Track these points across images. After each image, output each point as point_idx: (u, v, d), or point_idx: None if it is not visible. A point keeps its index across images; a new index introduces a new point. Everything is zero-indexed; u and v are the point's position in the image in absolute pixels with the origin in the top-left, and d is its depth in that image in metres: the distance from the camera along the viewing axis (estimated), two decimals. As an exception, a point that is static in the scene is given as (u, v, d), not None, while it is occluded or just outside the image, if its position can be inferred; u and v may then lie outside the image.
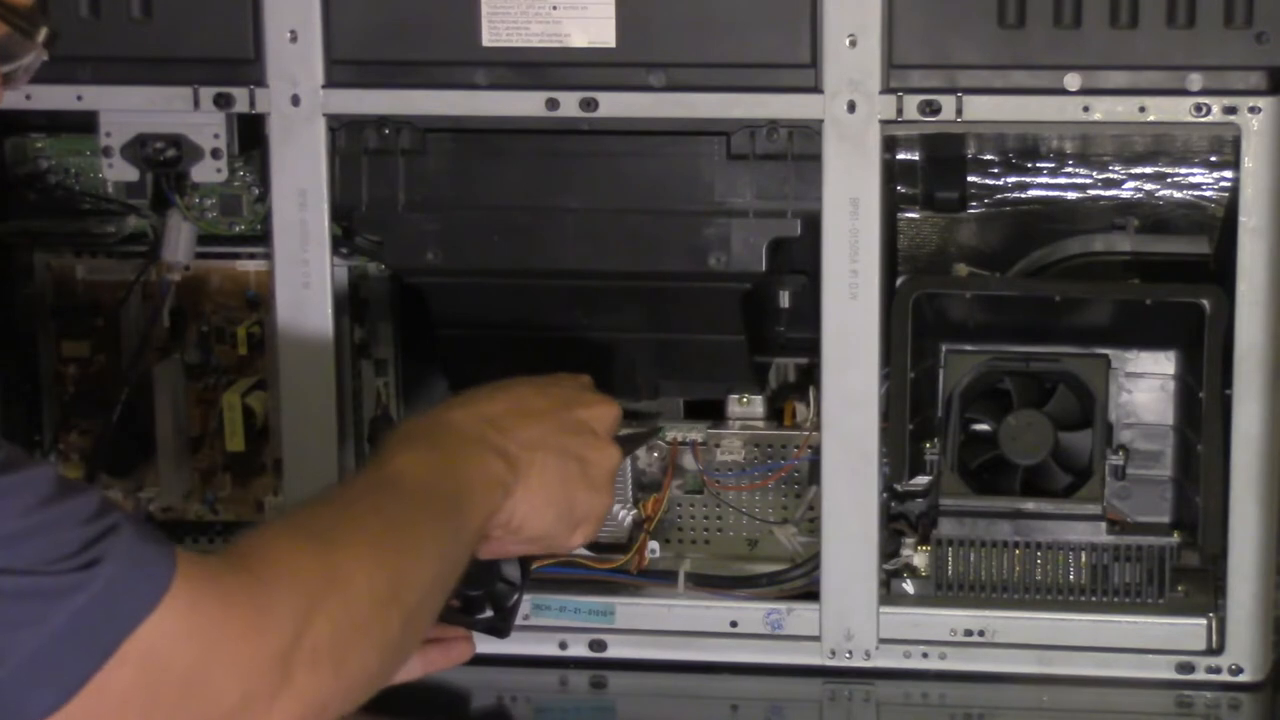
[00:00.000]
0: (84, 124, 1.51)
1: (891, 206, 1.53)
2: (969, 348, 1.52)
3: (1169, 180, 1.60)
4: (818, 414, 1.47)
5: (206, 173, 1.49)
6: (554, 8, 1.42)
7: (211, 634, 0.93)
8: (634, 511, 1.56)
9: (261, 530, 1.03)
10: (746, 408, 1.58)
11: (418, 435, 1.18)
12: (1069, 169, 1.61)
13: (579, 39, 1.43)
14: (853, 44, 1.40)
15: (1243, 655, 1.45)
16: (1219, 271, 1.48)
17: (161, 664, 0.92)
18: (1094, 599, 1.48)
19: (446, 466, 1.15)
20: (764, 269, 1.45)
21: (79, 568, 0.89)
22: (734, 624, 1.50)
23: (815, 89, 1.41)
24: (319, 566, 1.00)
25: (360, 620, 1.01)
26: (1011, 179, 1.62)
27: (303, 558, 1.00)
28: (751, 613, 1.50)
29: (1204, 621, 1.46)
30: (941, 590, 1.49)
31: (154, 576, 0.92)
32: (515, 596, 1.33)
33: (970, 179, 1.61)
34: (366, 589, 1.02)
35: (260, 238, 1.57)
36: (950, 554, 1.48)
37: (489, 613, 1.32)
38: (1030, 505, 1.49)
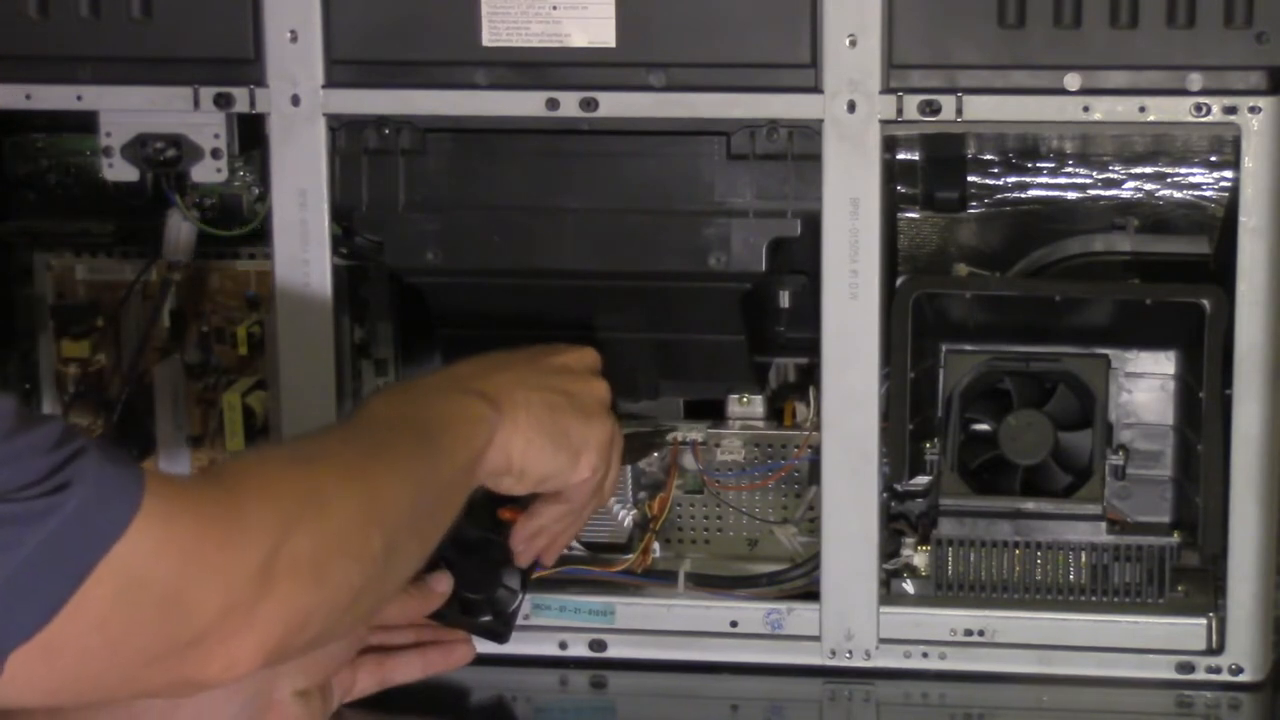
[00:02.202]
0: (84, 124, 1.51)
1: (891, 206, 1.53)
2: (969, 348, 1.52)
3: (1169, 180, 1.60)
4: (818, 414, 1.47)
5: (206, 173, 1.49)
6: (554, 8, 1.42)
7: (188, 548, 0.94)
8: (634, 512, 1.56)
9: (234, 457, 1.04)
10: (746, 408, 1.58)
11: (392, 390, 1.18)
12: (1069, 169, 1.61)
13: (579, 39, 1.43)
14: (853, 44, 1.40)
15: (1243, 655, 1.45)
16: (1219, 271, 1.48)
17: (139, 580, 0.92)
18: (1094, 599, 1.48)
19: (423, 406, 1.16)
20: (764, 269, 1.45)
21: (48, 492, 0.89)
22: (734, 624, 1.50)
23: (815, 89, 1.42)
24: (293, 484, 1.01)
25: (338, 534, 1.01)
26: (1011, 179, 1.62)
27: (276, 477, 1.01)
28: (751, 613, 1.50)
29: (1204, 621, 1.46)
30: (941, 590, 1.49)
31: (125, 495, 0.92)
32: (515, 603, 1.33)
33: (970, 179, 1.61)
34: (342, 505, 1.02)
35: (260, 238, 1.57)
36: (950, 554, 1.48)
37: (489, 617, 1.33)
38: (1030, 505, 1.49)
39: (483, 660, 1.34)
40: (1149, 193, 1.61)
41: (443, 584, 1.27)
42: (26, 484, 0.89)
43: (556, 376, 1.25)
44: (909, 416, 1.47)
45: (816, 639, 1.48)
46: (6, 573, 0.88)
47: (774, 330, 1.53)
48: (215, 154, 1.48)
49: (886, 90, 1.41)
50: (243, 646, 0.96)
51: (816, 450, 1.47)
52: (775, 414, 1.58)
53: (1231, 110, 1.38)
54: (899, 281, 1.48)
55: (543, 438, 1.21)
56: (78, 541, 0.90)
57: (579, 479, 1.25)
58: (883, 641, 1.48)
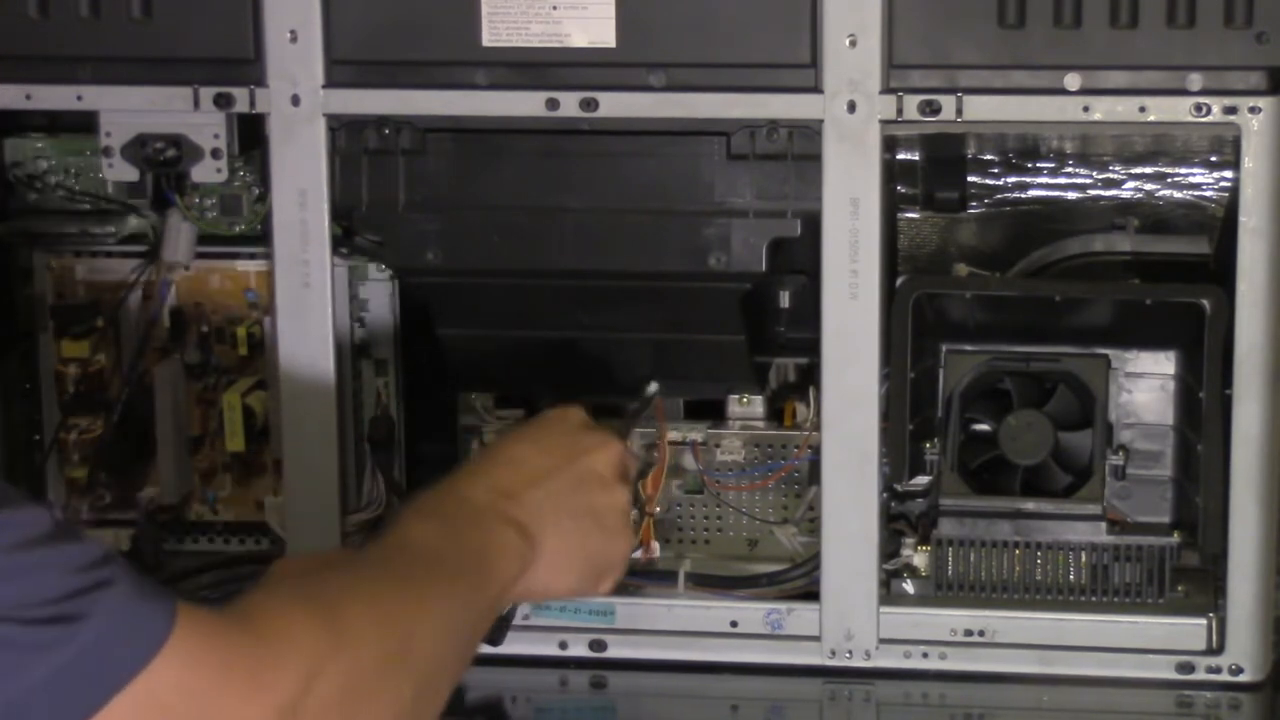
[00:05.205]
0: (84, 124, 1.51)
1: (891, 206, 1.53)
2: (969, 348, 1.52)
3: (1169, 180, 1.60)
4: (818, 414, 1.47)
5: (206, 173, 1.49)
6: (554, 8, 1.42)
7: (211, 693, 0.91)
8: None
9: (265, 589, 1.00)
10: (746, 408, 1.58)
11: (428, 508, 1.16)
12: (1069, 169, 1.61)
13: (579, 39, 1.43)
14: (853, 44, 1.40)
15: (1243, 655, 1.45)
16: (1219, 271, 1.48)
17: (161, 718, 0.89)
18: (1094, 599, 1.48)
19: (459, 536, 1.14)
20: (764, 269, 1.45)
21: (56, 619, 0.86)
22: (734, 624, 1.50)
23: (815, 89, 1.41)
24: (323, 627, 0.97)
25: (367, 683, 0.98)
26: (1011, 179, 1.62)
27: (306, 619, 0.97)
28: (751, 613, 1.50)
29: (1204, 621, 1.46)
30: (941, 590, 1.49)
31: (148, 633, 0.89)
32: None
33: (970, 179, 1.61)
34: (372, 653, 0.99)
35: (260, 238, 1.57)
36: (950, 554, 1.48)
37: None
38: (1030, 505, 1.49)
39: (483, 660, 1.34)
40: (1149, 193, 1.61)
41: None
42: (39, 601, 0.86)
43: (586, 492, 1.24)
44: (909, 416, 1.47)
45: (816, 639, 1.48)
46: (4, 700, 0.85)
47: (774, 330, 1.53)
48: (215, 154, 1.48)
49: (886, 90, 1.41)
50: None
51: (816, 450, 1.47)
52: (775, 414, 1.58)
53: (1231, 110, 1.38)
54: (899, 281, 1.48)
55: (569, 571, 1.22)
56: (92, 675, 0.87)
57: (597, 594, 1.26)
58: (883, 641, 1.48)
